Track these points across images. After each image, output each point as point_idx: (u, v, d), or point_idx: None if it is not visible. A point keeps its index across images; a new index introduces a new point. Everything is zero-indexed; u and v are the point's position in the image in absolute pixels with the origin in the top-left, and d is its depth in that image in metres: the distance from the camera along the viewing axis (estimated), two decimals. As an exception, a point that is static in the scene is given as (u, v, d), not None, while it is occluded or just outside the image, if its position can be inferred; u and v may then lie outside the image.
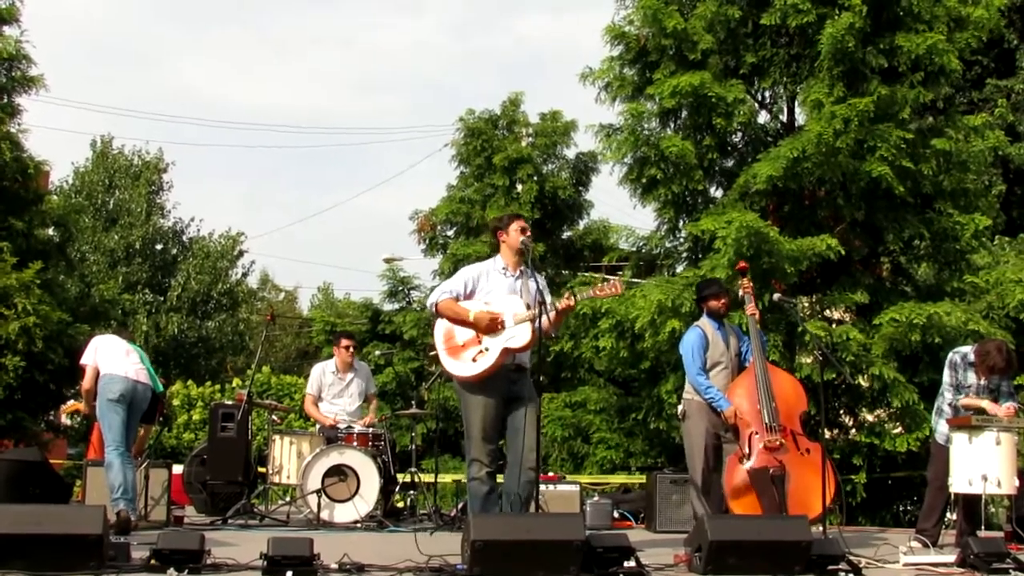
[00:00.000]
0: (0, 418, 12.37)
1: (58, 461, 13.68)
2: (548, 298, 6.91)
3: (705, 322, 7.91)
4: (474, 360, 6.81)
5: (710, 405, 7.63)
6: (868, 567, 6.07)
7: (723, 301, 7.91)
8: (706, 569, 5.61)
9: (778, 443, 7.41)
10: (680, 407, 7.92)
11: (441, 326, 7.03)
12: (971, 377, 7.83)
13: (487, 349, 6.80)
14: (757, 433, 7.44)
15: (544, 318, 6.61)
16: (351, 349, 10.28)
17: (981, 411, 7.63)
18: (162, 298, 29.41)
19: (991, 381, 7.79)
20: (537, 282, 6.85)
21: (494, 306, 6.88)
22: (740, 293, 8.00)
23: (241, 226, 68.27)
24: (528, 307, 6.84)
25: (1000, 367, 7.67)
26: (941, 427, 7.93)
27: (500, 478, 7.23)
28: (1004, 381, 7.87)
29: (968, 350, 7.94)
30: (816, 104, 10.82)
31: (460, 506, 9.49)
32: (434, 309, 7.00)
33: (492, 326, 6.79)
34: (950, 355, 8.04)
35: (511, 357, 6.83)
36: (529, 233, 7.11)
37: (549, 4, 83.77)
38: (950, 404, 7.90)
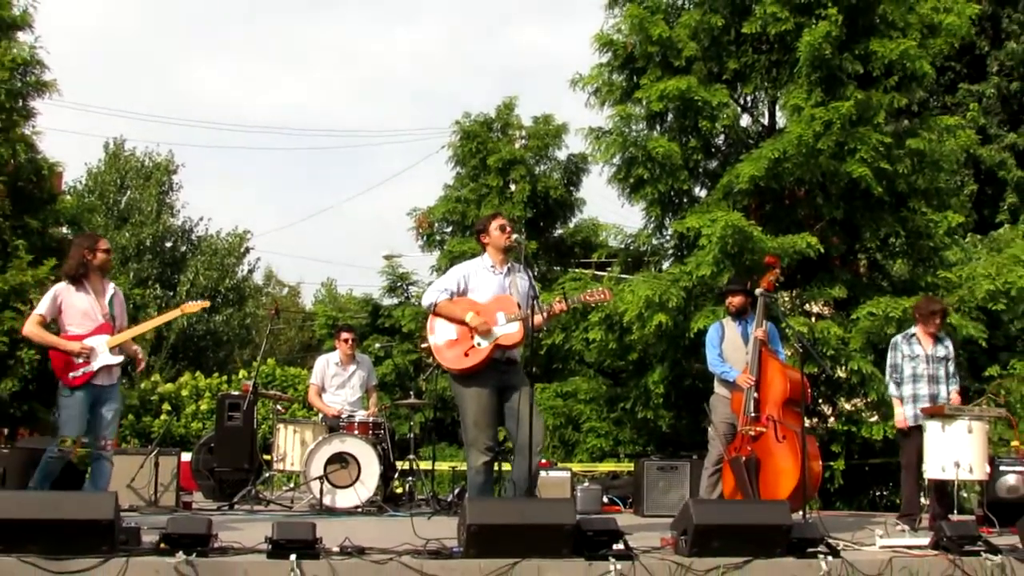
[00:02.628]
0: (16, 409, 12.52)
1: (71, 450, 13.92)
2: (537, 293, 7.07)
3: (727, 319, 8.46)
4: (466, 355, 6.97)
5: (731, 398, 8.12)
6: (846, 549, 6.13)
7: (731, 300, 8.40)
8: (691, 552, 5.67)
9: (753, 431, 7.77)
10: (710, 400, 8.44)
11: (435, 321, 7.18)
12: (917, 348, 8.28)
13: (479, 344, 6.98)
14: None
15: (535, 315, 6.81)
16: (350, 342, 10.47)
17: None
18: (171, 293, 29.61)
19: (937, 348, 8.24)
20: (529, 278, 7.03)
21: (487, 305, 7.07)
22: (762, 284, 8.28)
23: (247, 224, 68.50)
24: (519, 306, 7.01)
25: (938, 308, 8.27)
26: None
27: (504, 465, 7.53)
28: (951, 362, 8.31)
29: (908, 329, 8.48)
30: (795, 108, 11.08)
31: (456, 491, 9.68)
32: (432, 309, 7.16)
33: (485, 328, 6.98)
34: (893, 338, 8.54)
35: (502, 352, 7.02)
36: (511, 229, 7.26)
37: (541, 14, 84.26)
38: (886, 385, 8.42)
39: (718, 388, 8.35)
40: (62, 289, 7.43)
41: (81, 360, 7.31)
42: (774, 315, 8.39)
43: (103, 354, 7.39)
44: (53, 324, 7.47)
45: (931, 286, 11.41)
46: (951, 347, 8.44)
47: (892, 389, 8.38)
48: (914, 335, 8.37)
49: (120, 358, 7.56)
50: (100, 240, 7.69)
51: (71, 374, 7.30)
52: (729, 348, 8.27)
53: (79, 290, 7.44)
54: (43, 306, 7.40)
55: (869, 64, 11.24)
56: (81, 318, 7.41)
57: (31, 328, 7.40)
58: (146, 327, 8.15)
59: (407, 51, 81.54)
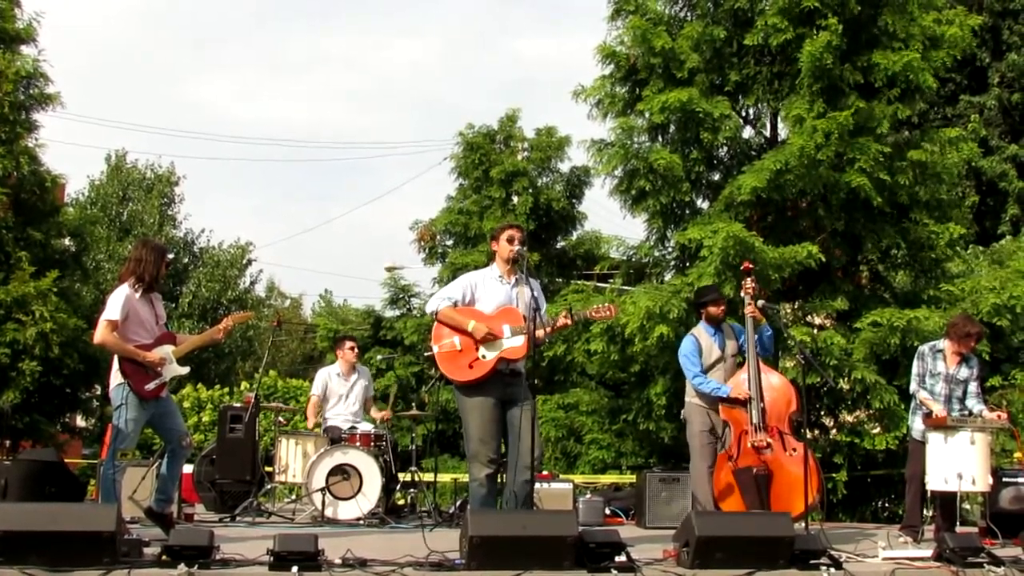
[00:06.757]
0: (18, 420, 12.62)
1: (73, 461, 13.82)
2: (543, 304, 7.07)
3: (700, 329, 8.26)
4: (470, 367, 6.93)
5: (708, 406, 7.98)
6: (848, 561, 6.11)
7: (722, 307, 8.27)
8: (693, 564, 5.65)
9: (765, 443, 7.62)
10: (683, 411, 8.29)
11: (440, 331, 7.13)
12: (940, 365, 8.17)
13: (484, 356, 6.94)
14: (746, 432, 7.70)
15: (539, 329, 6.76)
16: (355, 350, 10.54)
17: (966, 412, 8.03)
18: (174, 305, 29.72)
19: (960, 369, 8.12)
20: (532, 289, 6.96)
21: (493, 316, 7.01)
22: (741, 293, 8.22)
23: (249, 236, 68.71)
24: (524, 317, 6.94)
25: (975, 332, 8.08)
26: (916, 424, 8.24)
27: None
28: (973, 382, 8.17)
29: (937, 341, 8.31)
30: (797, 120, 11.08)
31: (458, 503, 9.72)
32: (434, 316, 7.13)
33: (489, 338, 6.94)
34: (920, 348, 8.40)
35: (506, 364, 6.97)
36: (520, 241, 7.16)
37: (543, 25, 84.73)
38: (912, 393, 8.27)
39: (692, 397, 8.14)
40: (130, 295, 7.03)
41: (151, 372, 7.01)
42: (775, 326, 8.34)
43: (172, 365, 7.16)
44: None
45: (933, 299, 11.39)
46: (976, 367, 8.29)
47: (923, 394, 8.20)
48: (941, 351, 8.23)
49: (187, 370, 7.39)
50: (169, 253, 7.47)
51: (147, 386, 6.99)
52: (710, 358, 8.11)
53: (142, 298, 7.11)
54: (116, 311, 6.94)
55: (871, 75, 11.26)
56: (141, 327, 7.07)
57: (107, 336, 6.92)
58: (202, 339, 7.85)
59: (408, 63, 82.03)
